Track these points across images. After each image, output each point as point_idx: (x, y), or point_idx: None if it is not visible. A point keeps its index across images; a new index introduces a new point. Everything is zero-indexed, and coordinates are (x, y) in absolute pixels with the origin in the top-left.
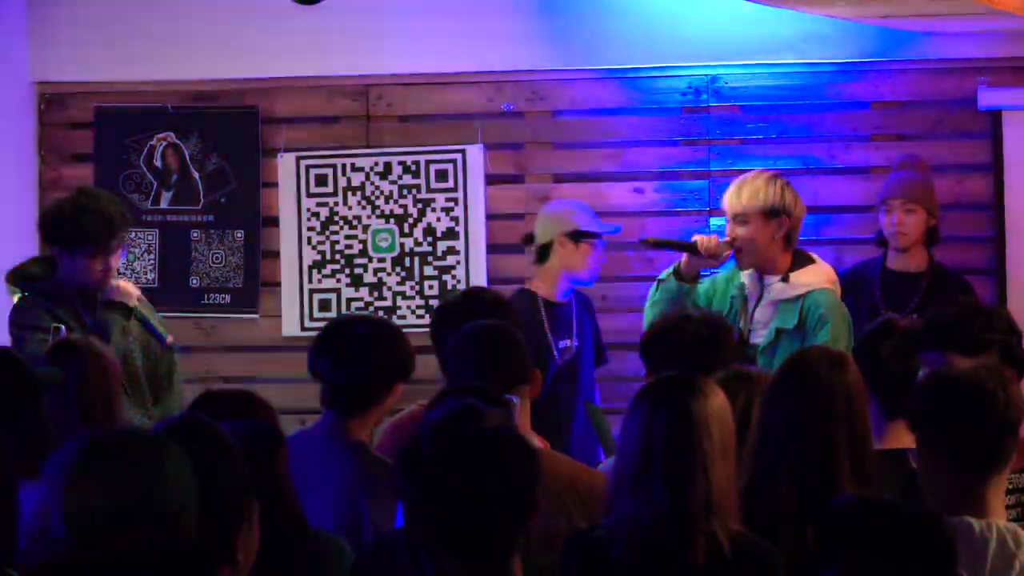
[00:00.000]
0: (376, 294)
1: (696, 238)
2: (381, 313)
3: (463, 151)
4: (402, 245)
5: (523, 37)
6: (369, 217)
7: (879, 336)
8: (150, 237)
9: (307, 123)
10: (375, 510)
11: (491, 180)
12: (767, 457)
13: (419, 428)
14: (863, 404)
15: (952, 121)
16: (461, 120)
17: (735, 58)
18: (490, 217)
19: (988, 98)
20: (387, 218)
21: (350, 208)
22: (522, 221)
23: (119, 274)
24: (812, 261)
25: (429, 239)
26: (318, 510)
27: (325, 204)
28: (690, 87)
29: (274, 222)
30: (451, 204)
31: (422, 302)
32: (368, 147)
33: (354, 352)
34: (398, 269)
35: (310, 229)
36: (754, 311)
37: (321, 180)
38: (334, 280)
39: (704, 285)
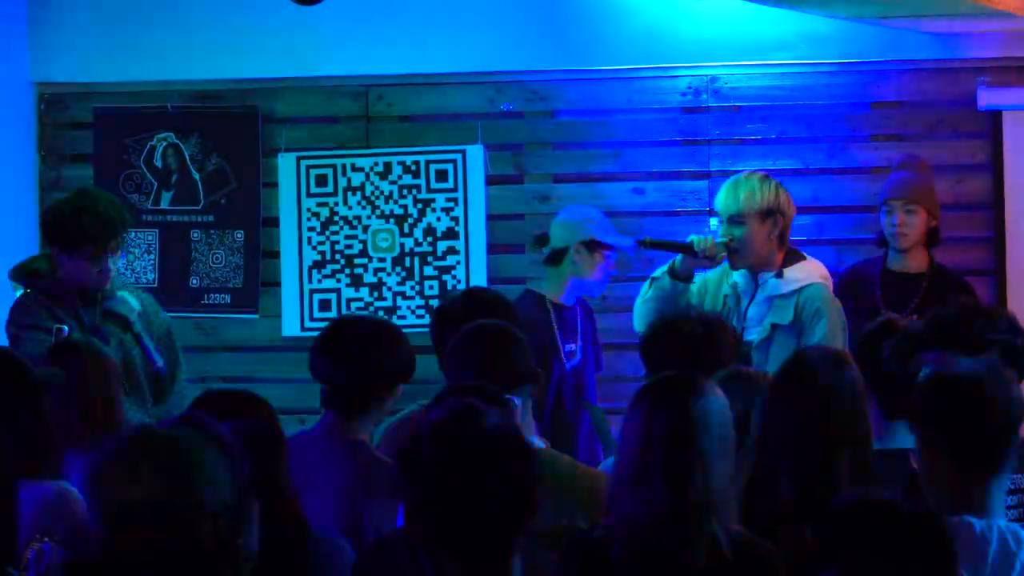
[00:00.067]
0: (376, 294)
1: (692, 239)
2: (381, 313)
3: (463, 151)
4: (402, 245)
5: (523, 37)
6: (369, 217)
7: (879, 336)
8: (150, 237)
9: (307, 123)
10: (375, 510)
11: (491, 180)
12: (767, 457)
13: (419, 428)
14: (863, 404)
15: (952, 121)
16: (461, 120)
17: (734, 58)
18: (490, 217)
19: (988, 98)
20: (387, 218)
21: (350, 208)
22: (522, 221)
23: (120, 274)
24: (803, 258)
25: (429, 239)
26: (318, 510)
27: (325, 204)
28: (689, 87)
29: (274, 222)
30: (451, 204)
31: (422, 302)
32: (368, 147)
33: (354, 352)
34: (398, 269)
35: (310, 229)
36: (747, 308)
37: (321, 180)
38: (334, 280)
39: (696, 283)
